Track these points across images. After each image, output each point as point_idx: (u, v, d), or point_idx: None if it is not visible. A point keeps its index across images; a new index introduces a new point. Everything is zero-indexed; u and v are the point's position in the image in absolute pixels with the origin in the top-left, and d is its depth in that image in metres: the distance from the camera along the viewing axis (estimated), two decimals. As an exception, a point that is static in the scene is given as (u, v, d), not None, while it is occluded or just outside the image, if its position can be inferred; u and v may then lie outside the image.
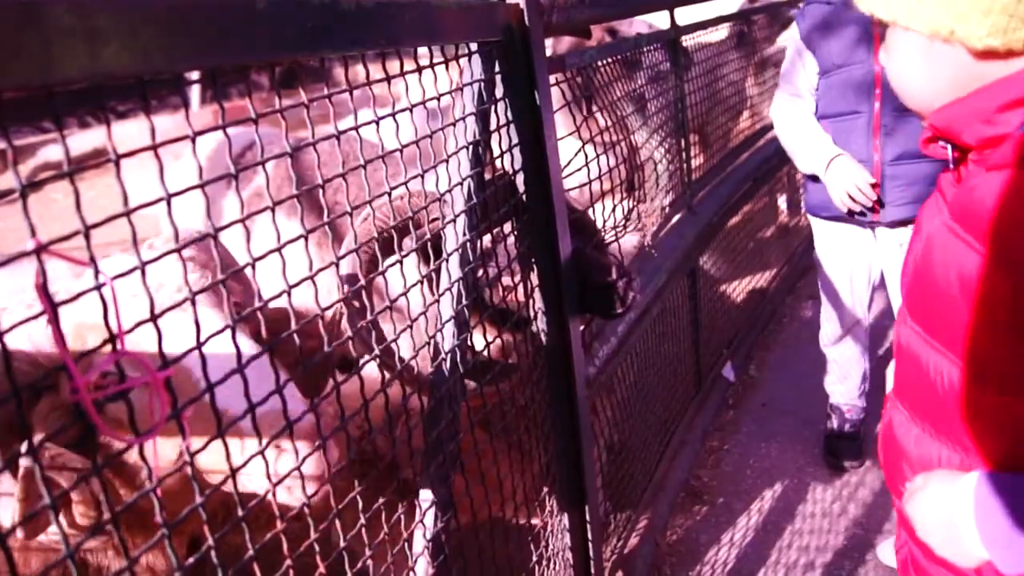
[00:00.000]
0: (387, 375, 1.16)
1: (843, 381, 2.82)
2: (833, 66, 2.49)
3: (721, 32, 3.59)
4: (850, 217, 2.51)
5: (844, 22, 2.45)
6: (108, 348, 0.64)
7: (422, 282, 1.22)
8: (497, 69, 1.41)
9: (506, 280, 1.51)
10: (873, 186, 2.41)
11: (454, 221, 1.33)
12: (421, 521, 1.26)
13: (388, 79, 1.10)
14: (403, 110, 1.13)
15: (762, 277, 4.03)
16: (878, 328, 3.46)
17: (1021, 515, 0.92)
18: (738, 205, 3.51)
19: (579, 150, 1.79)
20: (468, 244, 1.33)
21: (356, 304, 1.30)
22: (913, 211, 2.41)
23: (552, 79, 1.64)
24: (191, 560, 0.72)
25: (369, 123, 1.08)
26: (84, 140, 7.82)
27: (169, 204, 0.71)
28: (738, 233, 3.72)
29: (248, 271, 0.87)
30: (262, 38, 0.82)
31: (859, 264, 2.65)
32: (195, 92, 8.28)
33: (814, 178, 2.57)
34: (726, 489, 2.71)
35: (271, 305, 0.96)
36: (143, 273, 0.65)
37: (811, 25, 2.55)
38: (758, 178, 3.74)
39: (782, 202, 4.49)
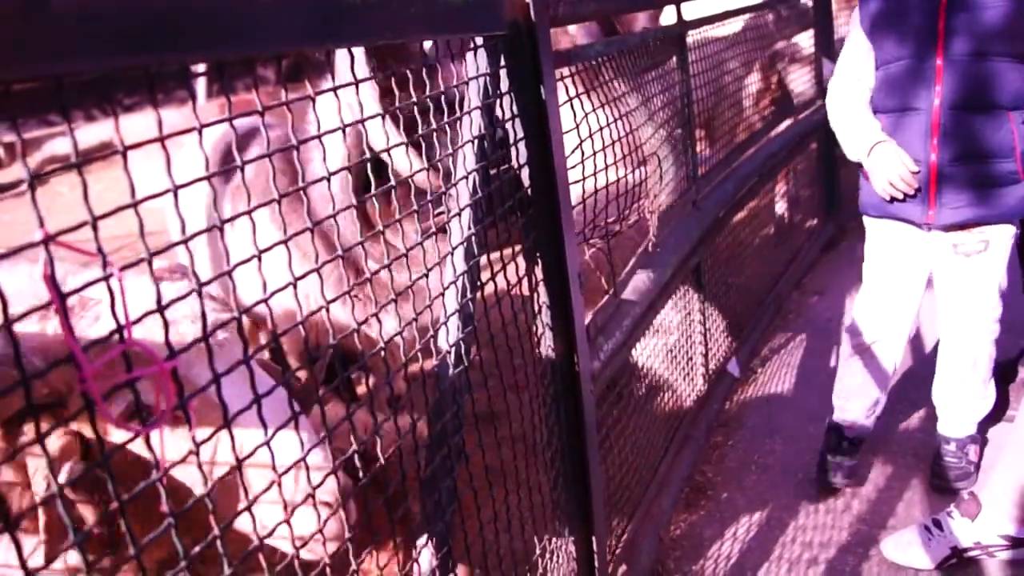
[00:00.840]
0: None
1: (848, 399, 2.59)
2: (892, 57, 2.32)
3: (734, 25, 3.55)
4: (891, 204, 2.35)
5: (907, 10, 2.28)
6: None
7: (429, 272, 1.22)
8: (503, 63, 1.41)
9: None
10: (914, 173, 2.27)
11: (459, 215, 1.33)
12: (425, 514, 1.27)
13: (393, 73, 1.10)
14: (407, 104, 1.13)
15: (767, 273, 4.03)
16: (916, 342, 3.29)
17: None
18: (743, 201, 3.50)
19: (578, 143, 1.79)
20: (473, 238, 1.34)
21: (360, 297, 1.31)
22: (968, 214, 2.26)
23: (557, 73, 1.64)
24: (197, 549, 0.72)
25: (373, 117, 1.08)
26: (90, 134, 7.85)
27: (176, 197, 0.71)
28: (743, 229, 3.71)
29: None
30: (268, 30, 0.82)
31: (907, 269, 2.44)
32: (201, 85, 8.30)
33: (866, 175, 2.41)
34: (729, 484, 2.71)
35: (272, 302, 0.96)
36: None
37: (873, 11, 2.37)
38: (763, 174, 3.73)
39: (787, 198, 4.48)
